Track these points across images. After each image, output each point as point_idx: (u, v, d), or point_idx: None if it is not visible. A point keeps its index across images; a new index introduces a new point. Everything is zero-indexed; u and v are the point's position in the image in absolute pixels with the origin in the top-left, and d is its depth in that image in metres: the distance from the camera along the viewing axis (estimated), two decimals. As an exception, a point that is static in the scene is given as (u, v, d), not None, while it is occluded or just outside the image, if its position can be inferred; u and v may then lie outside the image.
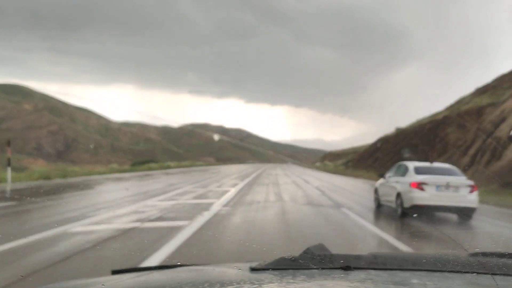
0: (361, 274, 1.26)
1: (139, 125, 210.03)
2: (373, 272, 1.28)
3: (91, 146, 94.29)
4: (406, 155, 44.99)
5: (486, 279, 1.19)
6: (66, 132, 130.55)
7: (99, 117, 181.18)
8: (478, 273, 1.24)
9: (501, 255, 1.45)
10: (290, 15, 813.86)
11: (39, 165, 78.73)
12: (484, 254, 1.51)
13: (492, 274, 1.21)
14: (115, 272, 1.58)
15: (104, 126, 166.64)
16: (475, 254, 1.55)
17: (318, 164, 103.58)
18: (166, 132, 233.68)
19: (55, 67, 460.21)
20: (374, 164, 44.55)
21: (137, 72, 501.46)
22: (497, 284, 1.12)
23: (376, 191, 12.63)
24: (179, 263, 1.69)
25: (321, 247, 1.47)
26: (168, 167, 49.00)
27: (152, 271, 1.60)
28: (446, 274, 1.27)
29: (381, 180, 12.32)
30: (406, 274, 1.29)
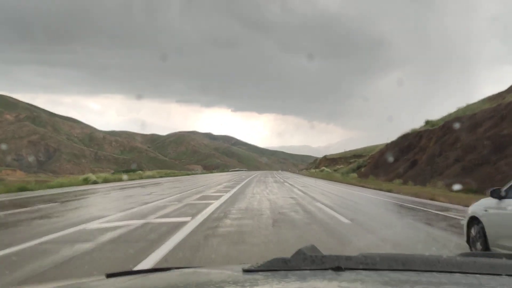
0: (351, 275, 1.27)
1: (125, 133, 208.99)
2: (363, 272, 1.29)
3: None
4: (390, 159, 35.74)
5: (472, 279, 1.24)
6: (48, 142, 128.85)
7: (84, 127, 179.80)
8: (464, 273, 1.28)
9: (486, 255, 1.52)
10: (275, 25, 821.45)
11: (17, 176, 77.20)
12: (472, 255, 1.57)
13: (477, 273, 1.27)
14: (109, 275, 1.58)
15: (88, 135, 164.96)
16: (463, 255, 1.59)
17: (313, 170, 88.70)
18: (153, 140, 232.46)
19: (44, 79, 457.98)
20: (410, 170, 31.20)
21: (125, 83, 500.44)
22: (481, 283, 1.19)
23: (473, 222, 6.53)
24: (172, 266, 1.68)
25: (313, 248, 1.48)
26: (95, 182, 31.60)
27: (146, 274, 1.61)
28: (435, 274, 1.28)
29: (490, 202, 6.26)
30: (396, 274, 1.29)
